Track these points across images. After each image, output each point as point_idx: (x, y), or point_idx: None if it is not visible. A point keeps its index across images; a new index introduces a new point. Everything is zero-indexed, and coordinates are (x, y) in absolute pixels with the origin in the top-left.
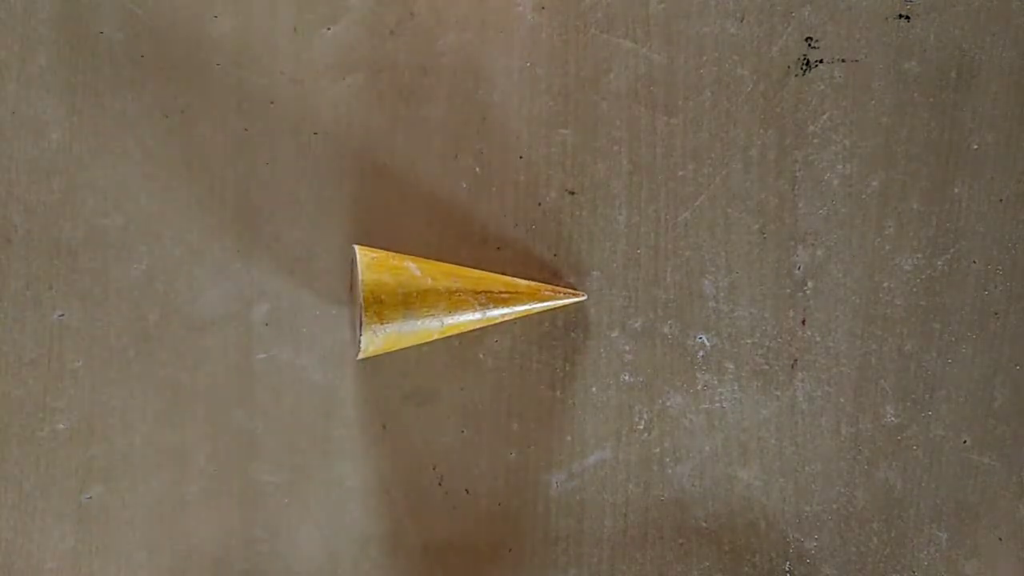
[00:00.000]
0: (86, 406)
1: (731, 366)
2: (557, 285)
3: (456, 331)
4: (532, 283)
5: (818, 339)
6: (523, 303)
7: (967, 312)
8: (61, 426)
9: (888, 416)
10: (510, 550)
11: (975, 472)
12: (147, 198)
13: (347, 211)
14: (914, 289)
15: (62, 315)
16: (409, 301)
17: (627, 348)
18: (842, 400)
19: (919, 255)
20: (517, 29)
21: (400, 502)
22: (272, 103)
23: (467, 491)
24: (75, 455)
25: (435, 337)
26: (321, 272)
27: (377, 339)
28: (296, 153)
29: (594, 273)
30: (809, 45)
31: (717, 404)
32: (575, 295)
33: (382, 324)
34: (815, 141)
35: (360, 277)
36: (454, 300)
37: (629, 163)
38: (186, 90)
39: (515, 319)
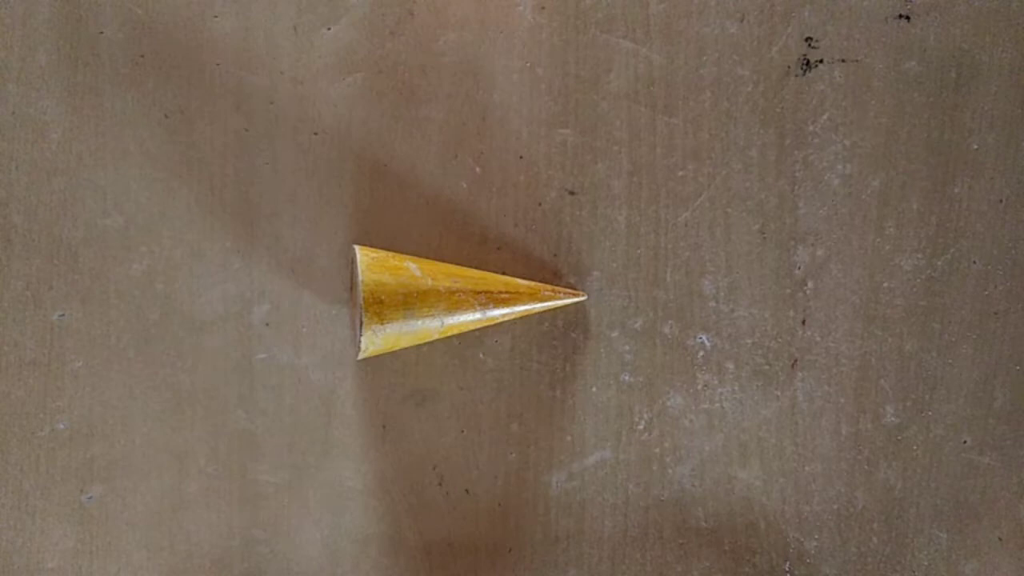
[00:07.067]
0: (86, 406)
1: (731, 366)
2: (557, 285)
3: (456, 331)
4: (532, 283)
5: (818, 339)
6: (523, 303)
7: (967, 312)
8: (61, 426)
9: (888, 416)
10: (510, 550)
11: (975, 472)
12: (147, 198)
13: (347, 211)
14: (914, 289)
15: (62, 315)
16: (409, 301)
17: (627, 348)
18: (842, 400)
19: (919, 255)
20: (517, 29)
21: (400, 502)
22: (272, 103)
23: (467, 491)
24: (75, 455)
25: (435, 337)
26: (321, 272)
27: (377, 339)
28: (296, 153)
29: (594, 273)
30: (809, 45)
31: (717, 404)
32: (575, 295)
33: (382, 324)
34: (815, 141)
35: (360, 277)
36: (454, 300)
37: (629, 163)
38: (186, 90)
39: (515, 319)
